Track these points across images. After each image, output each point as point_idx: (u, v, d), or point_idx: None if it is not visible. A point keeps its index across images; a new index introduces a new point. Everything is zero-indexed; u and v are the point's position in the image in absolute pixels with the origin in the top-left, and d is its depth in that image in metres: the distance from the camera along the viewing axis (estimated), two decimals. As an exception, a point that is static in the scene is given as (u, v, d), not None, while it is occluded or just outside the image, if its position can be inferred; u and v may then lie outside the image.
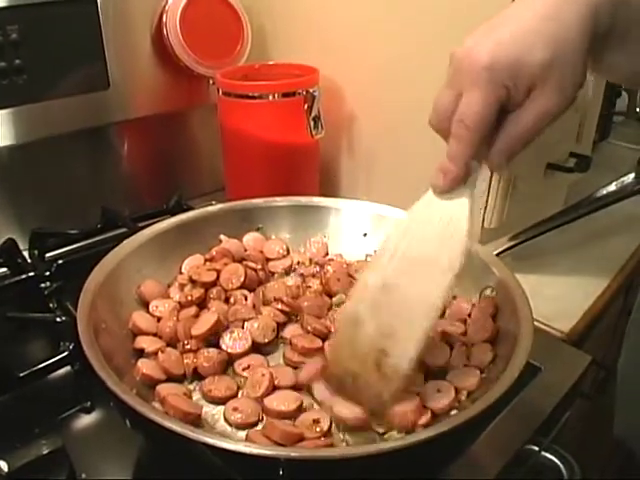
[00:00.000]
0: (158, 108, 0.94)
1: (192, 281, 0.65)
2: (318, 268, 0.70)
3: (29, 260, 0.78)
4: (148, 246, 0.66)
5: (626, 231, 0.93)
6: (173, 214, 0.75)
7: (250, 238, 0.74)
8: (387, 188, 0.89)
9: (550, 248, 0.84)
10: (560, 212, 0.82)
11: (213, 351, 0.57)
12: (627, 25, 0.43)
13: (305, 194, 0.78)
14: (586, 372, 0.63)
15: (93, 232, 0.83)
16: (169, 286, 0.66)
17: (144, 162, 0.99)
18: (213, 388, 0.53)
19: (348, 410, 0.50)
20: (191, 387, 0.55)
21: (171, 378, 0.54)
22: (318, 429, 0.49)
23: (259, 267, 0.69)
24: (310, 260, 0.73)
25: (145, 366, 0.54)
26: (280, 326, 0.61)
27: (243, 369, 0.56)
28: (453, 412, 0.51)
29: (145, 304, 0.63)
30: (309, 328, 0.60)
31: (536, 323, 0.56)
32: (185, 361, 0.56)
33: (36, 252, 0.79)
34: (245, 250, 0.72)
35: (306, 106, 0.85)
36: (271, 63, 0.95)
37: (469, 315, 0.61)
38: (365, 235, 0.74)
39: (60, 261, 0.73)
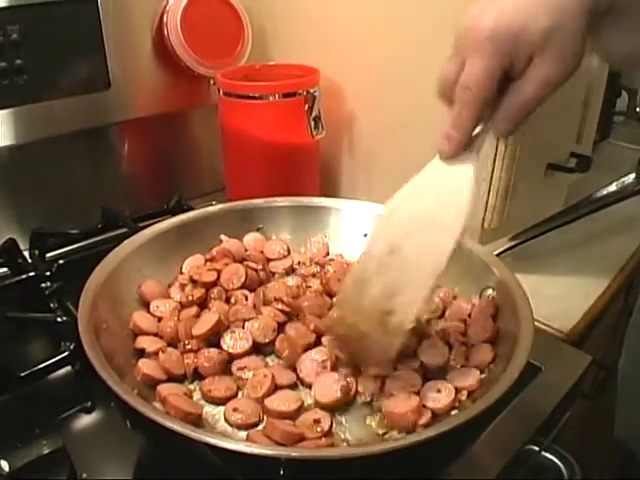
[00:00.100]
0: (159, 108, 0.94)
1: (193, 281, 0.65)
2: (318, 268, 0.70)
3: (30, 260, 0.78)
4: (149, 246, 0.66)
5: (626, 231, 0.93)
6: (174, 214, 0.75)
7: (251, 238, 0.74)
8: (387, 188, 0.88)
9: (550, 248, 0.84)
10: (560, 212, 0.82)
11: (214, 351, 0.57)
12: (628, 2, 0.44)
13: (305, 194, 0.78)
14: (586, 372, 0.63)
15: (94, 232, 0.83)
16: (170, 286, 0.67)
17: (145, 162, 0.99)
18: (213, 388, 0.53)
19: (325, 394, 0.52)
20: (192, 387, 0.55)
21: (172, 378, 0.55)
22: (319, 429, 0.49)
23: (260, 267, 0.69)
24: (310, 260, 0.73)
25: (146, 366, 0.54)
26: (280, 326, 0.61)
27: (238, 369, 0.56)
28: (453, 412, 0.51)
29: (146, 304, 0.63)
30: (311, 327, 0.60)
31: (536, 323, 0.56)
32: (186, 361, 0.56)
33: (37, 252, 0.79)
34: (246, 250, 0.72)
35: (306, 106, 0.85)
36: (272, 63, 0.95)
37: (469, 315, 0.61)
38: (365, 235, 0.74)
39: (61, 261, 0.73)
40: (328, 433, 0.49)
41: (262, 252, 0.73)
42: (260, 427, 0.50)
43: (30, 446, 0.50)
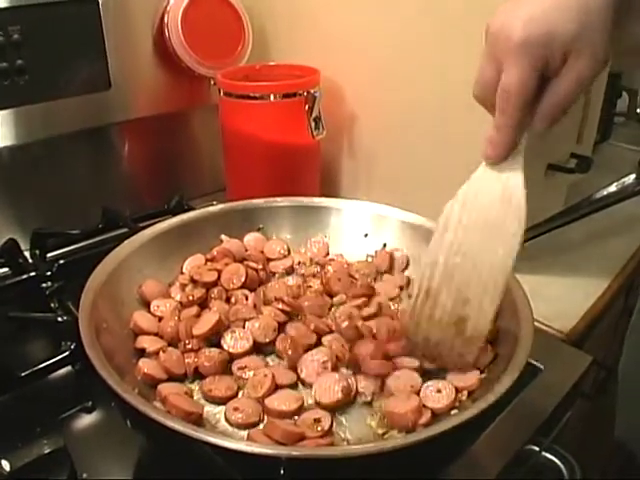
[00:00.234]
0: (159, 108, 0.94)
1: (193, 281, 0.65)
2: (319, 268, 0.71)
3: (30, 260, 0.78)
4: (149, 246, 0.67)
5: (626, 232, 0.93)
6: (174, 214, 0.75)
7: (251, 238, 0.74)
8: (387, 188, 0.89)
9: (550, 248, 0.84)
10: (560, 213, 0.82)
11: (214, 351, 0.57)
12: None
13: (306, 194, 0.78)
14: (586, 372, 0.63)
15: (94, 232, 0.83)
16: (170, 286, 0.67)
17: (145, 162, 0.99)
18: (213, 388, 0.54)
19: (325, 395, 0.52)
20: (192, 387, 0.55)
21: (172, 378, 0.55)
22: (319, 428, 0.49)
23: (260, 267, 0.69)
24: (311, 260, 0.73)
25: (146, 366, 0.54)
26: (281, 326, 0.61)
27: (239, 368, 0.56)
28: (453, 412, 0.51)
29: (146, 304, 0.63)
30: (312, 326, 0.60)
31: (536, 323, 0.56)
32: (186, 361, 0.56)
33: (37, 252, 0.80)
34: (246, 250, 0.72)
35: (307, 107, 0.85)
36: (272, 64, 0.95)
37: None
38: (366, 235, 0.74)
39: (61, 261, 0.73)
40: (328, 432, 0.49)
41: (262, 252, 0.73)
42: (260, 427, 0.50)
43: (31, 446, 0.50)
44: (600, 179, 0.86)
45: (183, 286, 0.65)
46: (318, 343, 0.59)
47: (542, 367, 0.61)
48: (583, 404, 0.74)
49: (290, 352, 0.57)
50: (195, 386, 0.55)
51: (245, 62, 0.94)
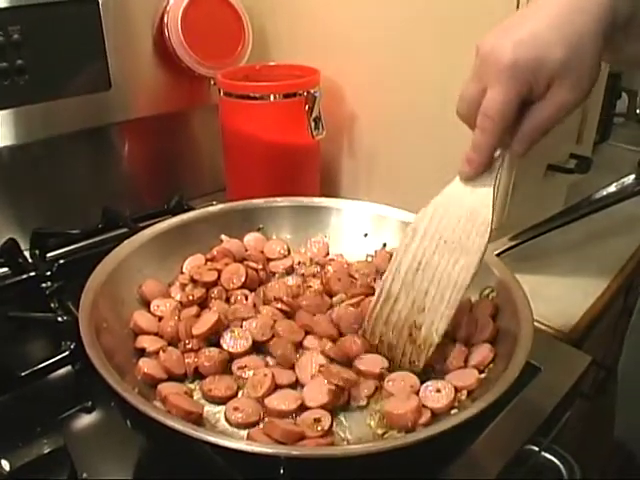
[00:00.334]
0: (159, 108, 0.94)
1: (193, 281, 0.65)
2: (319, 268, 0.71)
3: (30, 260, 0.78)
4: (149, 246, 0.67)
5: (626, 232, 0.93)
6: (174, 214, 0.75)
7: (251, 238, 0.74)
8: (388, 188, 0.89)
9: (550, 249, 0.84)
10: (560, 213, 0.82)
11: (214, 350, 0.57)
12: None
13: (306, 194, 0.78)
14: (586, 372, 0.63)
15: (94, 232, 0.83)
16: (170, 286, 0.67)
17: (145, 162, 0.99)
18: (213, 387, 0.54)
19: (313, 398, 0.52)
20: (192, 386, 0.55)
21: (172, 377, 0.55)
22: (319, 428, 0.49)
23: (260, 267, 0.69)
24: (311, 260, 0.73)
25: (146, 365, 0.54)
26: (280, 325, 0.61)
27: (239, 368, 0.56)
28: (453, 412, 0.51)
29: (146, 304, 0.63)
30: (300, 324, 0.60)
31: (536, 323, 0.56)
32: (186, 360, 0.56)
33: (37, 252, 0.80)
34: (246, 250, 0.72)
35: (307, 107, 0.85)
36: (272, 64, 0.95)
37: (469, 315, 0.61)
38: (366, 235, 0.74)
39: (61, 261, 0.73)
40: (328, 432, 0.49)
41: (262, 252, 0.73)
42: (260, 426, 0.50)
43: (31, 445, 0.50)
44: (600, 179, 0.86)
45: (183, 286, 0.65)
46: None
47: (541, 367, 0.61)
48: (582, 404, 0.74)
49: (279, 351, 0.57)
50: (195, 386, 0.55)
51: (245, 62, 0.94)
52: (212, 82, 0.90)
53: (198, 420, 0.49)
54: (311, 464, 0.42)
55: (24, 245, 0.79)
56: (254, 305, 0.64)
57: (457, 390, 0.52)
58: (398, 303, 0.56)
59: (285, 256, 0.73)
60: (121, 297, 0.61)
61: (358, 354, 0.57)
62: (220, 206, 0.76)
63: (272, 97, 0.83)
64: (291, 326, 0.60)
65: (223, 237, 0.73)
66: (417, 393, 0.52)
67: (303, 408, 0.52)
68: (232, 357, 0.57)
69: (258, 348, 0.59)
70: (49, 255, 0.80)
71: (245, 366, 0.56)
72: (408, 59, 0.81)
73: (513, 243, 0.77)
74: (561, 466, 0.56)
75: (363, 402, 0.53)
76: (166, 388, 0.52)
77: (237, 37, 0.93)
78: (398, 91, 0.84)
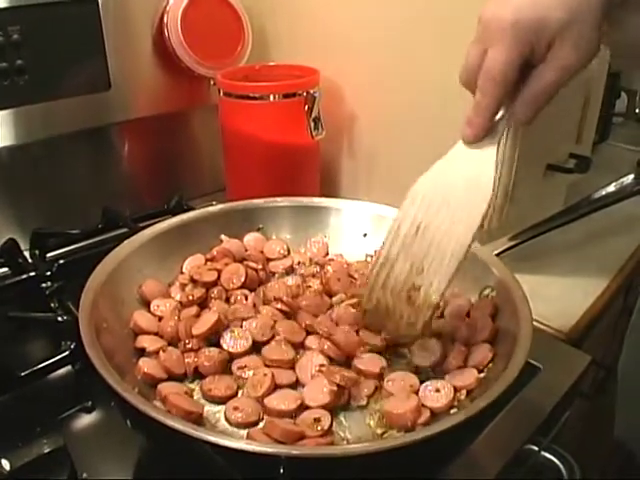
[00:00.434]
0: (159, 109, 0.94)
1: (193, 281, 0.65)
2: (318, 268, 0.71)
3: (30, 260, 0.78)
4: (149, 246, 0.67)
5: (625, 231, 0.93)
6: (174, 214, 0.75)
7: (251, 238, 0.74)
8: (387, 188, 0.89)
9: (550, 248, 0.84)
10: (560, 213, 0.82)
11: (214, 350, 0.57)
12: None
13: (306, 194, 0.78)
14: (586, 372, 0.63)
15: (94, 232, 0.83)
16: (170, 286, 0.67)
17: (145, 162, 0.99)
18: (213, 387, 0.54)
19: (314, 398, 0.52)
20: (192, 386, 0.55)
21: (172, 377, 0.55)
22: (319, 428, 0.49)
23: (260, 267, 0.69)
24: (310, 260, 0.73)
25: (146, 365, 0.54)
26: (280, 325, 0.61)
27: (239, 368, 0.56)
28: (452, 411, 0.51)
29: (146, 303, 0.63)
30: (303, 325, 0.60)
31: (536, 323, 0.56)
32: (186, 360, 0.56)
33: (37, 252, 0.80)
34: (246, 250, 0.72)
35: (306, 107, 0.85)
36: (272, 64, 0.95)
37: (468, 315, 0.62)
38: (365, 235, 0.74)
39: (61, 261, 0.73)
40: (328, 432, 0.49)
41: (262, 252, 0.73)
42: (260, 426, 0.50)
43: (31, 445, 0.50)
44: (599, 179, 0.86)
45: (183, 286, 0.66)
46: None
47: (541, 367, 0.61)
48: (582, 404, 0.74)
49: (274, 356, 0.57)
50: (195, 386, 0.55)
51: (245, 62, 0.94)
52: (212, 82, 0.90)
53: (198, 420, 0.49)
54: (311, 464, 0.42)
55: (24, 245, 0.79)
56: (254, 305, 0.64)
57: (456, 390, 0.52)
58: (396, 265, 0.55)
59: (285, 256, 0.73)
60: (121, 297, 0.61)
61: (353, 344, 0.57)
62: (220, 206, 0.76)
63: (272, 97, 0.83)
64: (291, 326, 0.60)
65: (223, 237, 0.73)
66: (416, 393, 0.52)
67: (303, 408, 0.52)
68: (232, 357, 0.57)
69: (258, 348, 0.59)
70: (49, 255, 0.80)
71: (245, 366, 0.56)
72: (408, 59, 0.82)
73: (513, 243, 0.77)
74: (561, 466, 0.56)
75: (363, 402, 0.53)
76: (166, 388, 0.52)
77: (237, 37, 0.93)
78: (398, 91, 0.84)
